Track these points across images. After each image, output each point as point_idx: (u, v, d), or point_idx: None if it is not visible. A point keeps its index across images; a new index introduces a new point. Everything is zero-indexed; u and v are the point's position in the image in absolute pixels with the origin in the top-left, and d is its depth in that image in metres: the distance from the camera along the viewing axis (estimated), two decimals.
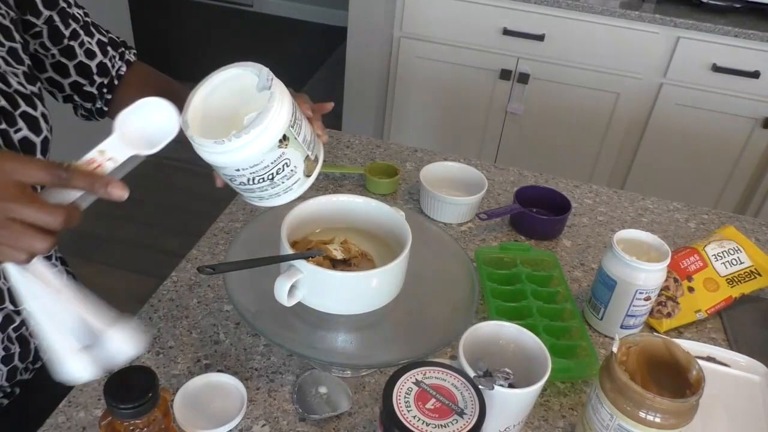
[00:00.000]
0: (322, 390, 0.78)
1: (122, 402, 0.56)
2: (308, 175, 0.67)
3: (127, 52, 0.92)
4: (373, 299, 0.78)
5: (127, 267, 2.32)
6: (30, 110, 0.74)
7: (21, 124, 0.73)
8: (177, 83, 0.93)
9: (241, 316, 0.76)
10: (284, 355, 0.84)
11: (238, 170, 0.62)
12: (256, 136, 0.60)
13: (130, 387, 0.57)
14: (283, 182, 0.65)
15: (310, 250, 0.81)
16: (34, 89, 0.77)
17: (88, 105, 0.90)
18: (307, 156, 0.66)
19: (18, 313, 0.79)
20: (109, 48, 0.89)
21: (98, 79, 0.88)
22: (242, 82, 0.65)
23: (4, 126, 0.71)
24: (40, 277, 0.54)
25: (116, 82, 0.90)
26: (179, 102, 0.88)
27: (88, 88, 0.88)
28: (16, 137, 0.72)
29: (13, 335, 0.81)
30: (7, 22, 0.76)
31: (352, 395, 0.79)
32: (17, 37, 0.77)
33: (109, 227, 2.45)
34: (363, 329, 0.82)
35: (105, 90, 0.89)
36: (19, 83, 0.75)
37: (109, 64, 0.89)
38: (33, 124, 0.74)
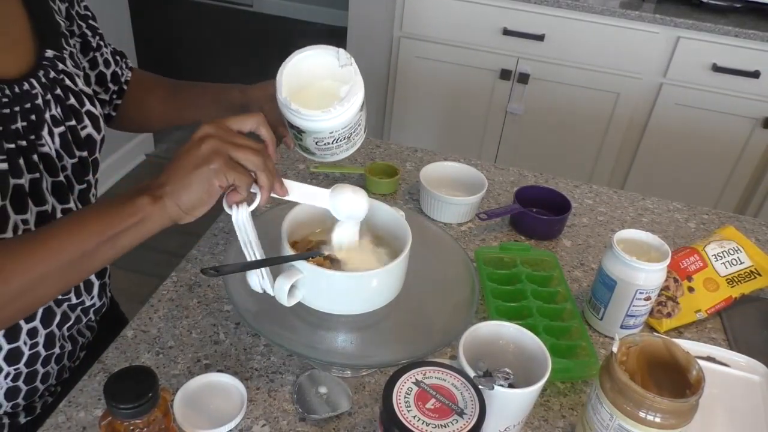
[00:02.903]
0: (322, 390, 0.78)
1: (122, 402, 0.56)
2: (365, 130, 0.79)
3: (127, 60, 0.97)
4: (373, 299, 0.78)
5: (127, 267, 2.32)
6: (93, 109, 0.80)
7: (87, 121, 0.79)
8: (176, 80, 0.98)
9: (241, 316, 0.76)
10: (284, 355, 0.84)
11: (331, 133, 0.73)
12: (352, 103, 0.71)
13: (130, 387, 0.57)
14: (354, 139, 0.77)
15: (310, 250, 0.81)
16: (91, 91, 0.83)
17: None
18: (367, 117, 0.79)
19: (73, 309, 0.82)
20: (117, 57, 0.94)
21: (112, 87, 0.93)
22: (314, 60, 0.74)
23: (73, 122, 0.77)
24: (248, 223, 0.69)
25: (125, 87, 0.95)
26: (187, 93, 0.93)
27: (102, 96, 0.92)
28: (82, 133, 0.79)
29: (66, 334, 0.84)
30: (65, 30, 0.82)
31: (352, 395, 0.79)
32: (72, 43, 0.83)
33: None
34: (363, 329, 0.82)
35: (115, 96, 0.94)
36: (82, 83, 0.80)
37: (120, 72, 0.94)
38: (95, 122, 0.81)
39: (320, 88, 0.75)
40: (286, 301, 0.73)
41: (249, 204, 0.67)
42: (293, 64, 0.74)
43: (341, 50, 0.74)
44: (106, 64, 0.91)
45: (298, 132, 0.74)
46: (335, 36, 3.88)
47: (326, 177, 1.21)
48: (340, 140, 0.75)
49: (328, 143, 0.75)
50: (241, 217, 0.67)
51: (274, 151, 0.69)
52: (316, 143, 0.75)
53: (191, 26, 4.22)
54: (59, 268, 0.62)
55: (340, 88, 0.73)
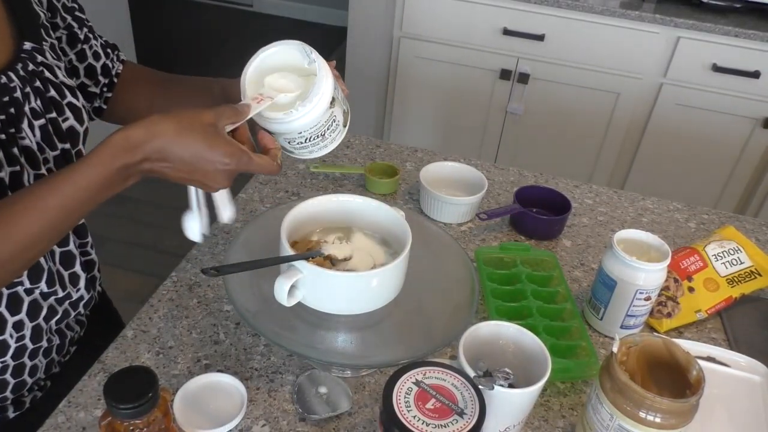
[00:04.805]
0: (322, 390, 0.78)
1: (122, 402, 0.56)
2: (345, 125, 0.78)
3: (119, 52, 0.96)
4: (373, 299, 0.78)
5: (127, 267, 2.32)
6: (74, 101, 0.80)
7: (68, 113, 0.79)
8: (167, 73, 0.97)
9: (241, 316, 0.76)
10: (284, 355, 0.84)
11: (300, 133, 0.73)
12: (316, 103, 0.70)
13: (130, 387, 0.57)
14: (330, 135, 0.76)
15: (310, 250, 0.81)
16: (74, 83, 0.83)
17: (87, 105, 0.93)
18: (344, 110, 0.77)
19: (60, 302, 0.82)
20: (108, 49, 0.93)
21: (102, 80, 0.92)
22: (280, 57, 0.74)
23: (54, 114, 0.77)
24: None
25: (115, 80, 0.94)
26: (174, 86, 0.95)
27: (92, 89, 0.91)
28: (64, 126, 0.78)
29: (54, 327, 0.84)
30: (45, 21, 0.81)
31: (352, 395, 0.79)
32: (53, 35, 0.83)
33: (109, 227, 2.45)
34: (363, 329, 0.82)
35: (105, 89, 0.93)
36: (63, 75, 0.80)
37: (110, 65, 0.93)
38: (77, 114, 0.80)
39: (290, 87, 0.74)
40: (286, 301, 0.73)
41: None
42: (257, 65, 0.73)
43: (305, 46, 0.73)
44: (96, 56, 0.90)
45: (269, 131, 0.74)
46: (335, 36, 3.88)
47: (326, 177, 1.21)
48: (314, 138, 0.74)
49: (301, 142, 0.75)
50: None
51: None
52: (289, 142, 0.75)
53: (191, 26, 4.22)
54: (50, 237, 0.66)
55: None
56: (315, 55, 0.72)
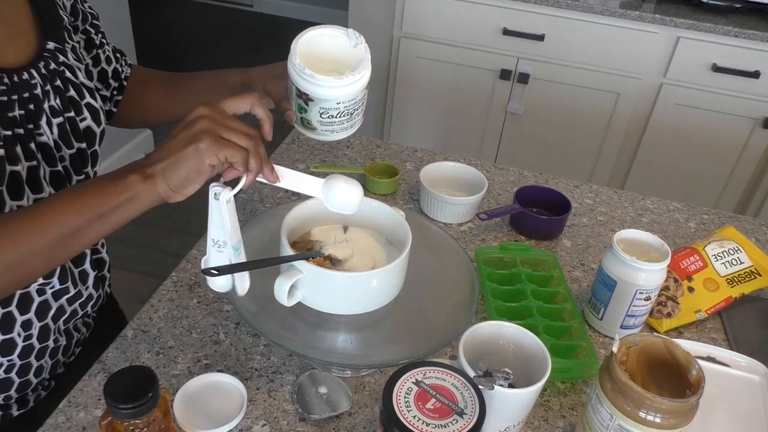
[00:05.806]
0: (322, 390, 0.78)
1: (122, 402, 0.56)
2: (361, 115, 0.81)
3: (126, 57, 0.99)
4: (373, 299, 0.78)
5: (127, 267, 2.32)
6: (93, 102, 0.82)
7: (86, 113, 0.81)
8: (176, 73, 0.99)
9: (241, 316, 0.76)
10: (284, 355, 0.84)
11: (339, 103, 0.75)
12: (362, 75, 0.74)
13: (130, 387, 0.57)
14: (354, 118, 0.78)
15: (310, 250, 0.81)
16: (93, 85, 0.84)
17: None
18: (365, 105, 0.80)
19: (70, 302, 0.83)
20: (117, 54, 0.96)
21: (113, 83, 0.94)
22: (324, 39, 0.77)
23: (72, 114, 0.79)
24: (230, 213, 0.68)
25: (125, 83, 0.96)
26: (185, 83, 0.97)
27: (103, 92, 0.93)
28: (81, 125, 0.80)
29: (62, 327, 0.84)
30: (68, 25, 0.83)
31: (352, 395, 0.79)
32: (75, 38, 0.85)
33: None
34: (363, 329, 0.82)
35: (116, 92, 0.95)
36: (84, 77, 0.82)
37: (120, 69, 0.95)
38: (95, 115, 0.82)
39: (324, 70, 0.76)
40: (286, 301, 0.73)
41: (233, 187, 0.68)
42: (307, 38, 0.75)
43: (351, 30, 0.76)
44: (108, 61, 0.93)
45: (305, 102, 0.75)
46: None
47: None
48: (344, 115, 0.76)
49: (332, 116, 0.75)
50: (223, 198, 0.67)
51: (270, 130, 0.70)
52: (321, 115, 0.75)
53: (191, 26, 4.22)
54: (50, 243, 0.63)
55: (344, 71, 0.74)
56: (362, 38, 0.76)
